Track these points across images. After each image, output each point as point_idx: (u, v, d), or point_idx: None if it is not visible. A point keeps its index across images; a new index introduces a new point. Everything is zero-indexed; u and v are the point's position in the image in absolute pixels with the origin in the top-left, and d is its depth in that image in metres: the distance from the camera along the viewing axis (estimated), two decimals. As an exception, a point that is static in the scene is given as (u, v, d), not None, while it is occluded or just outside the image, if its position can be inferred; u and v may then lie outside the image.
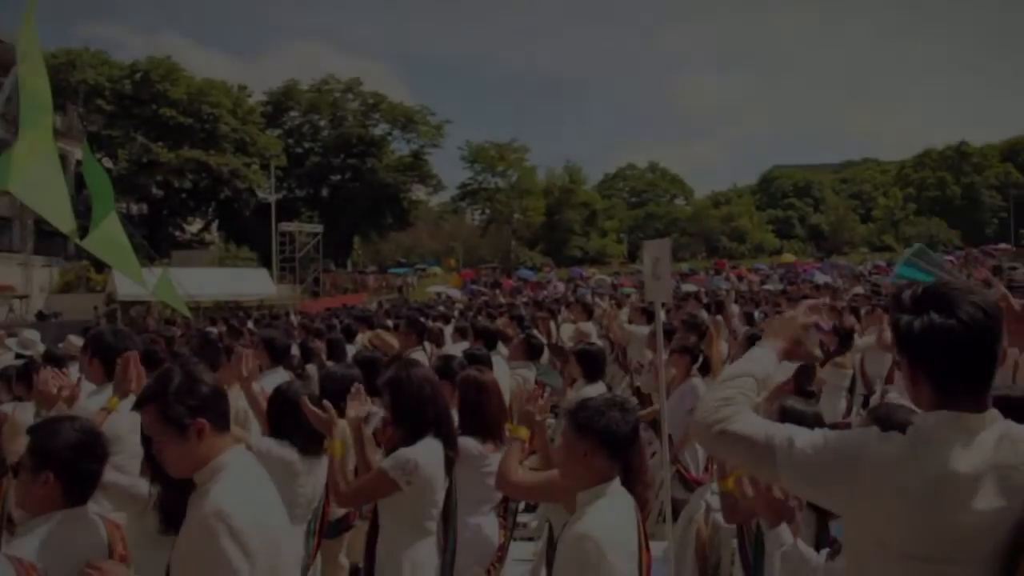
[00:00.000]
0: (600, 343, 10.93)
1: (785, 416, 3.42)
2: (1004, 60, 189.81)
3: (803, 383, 5.58)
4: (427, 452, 4.19)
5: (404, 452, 4.15)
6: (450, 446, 4.39)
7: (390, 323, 13.80)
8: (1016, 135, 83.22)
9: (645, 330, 10.61)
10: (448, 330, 11.56)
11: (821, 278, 35.15)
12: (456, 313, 17.52)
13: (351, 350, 9.20)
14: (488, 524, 4.95)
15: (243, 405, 5.52)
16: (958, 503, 2.01)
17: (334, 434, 4.26)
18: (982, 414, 2.11)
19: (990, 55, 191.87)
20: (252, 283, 42.37)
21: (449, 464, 4.36)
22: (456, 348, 8.74)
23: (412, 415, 4.29)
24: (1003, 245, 65.07)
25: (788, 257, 62.99)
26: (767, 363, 2.43)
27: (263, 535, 2.83)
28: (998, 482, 2.03)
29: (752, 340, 7.25)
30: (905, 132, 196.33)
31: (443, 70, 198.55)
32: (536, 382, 8.42)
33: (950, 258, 56.35)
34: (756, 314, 15.15)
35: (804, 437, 2.19)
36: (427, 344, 9.60)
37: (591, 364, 7.18)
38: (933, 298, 2.12)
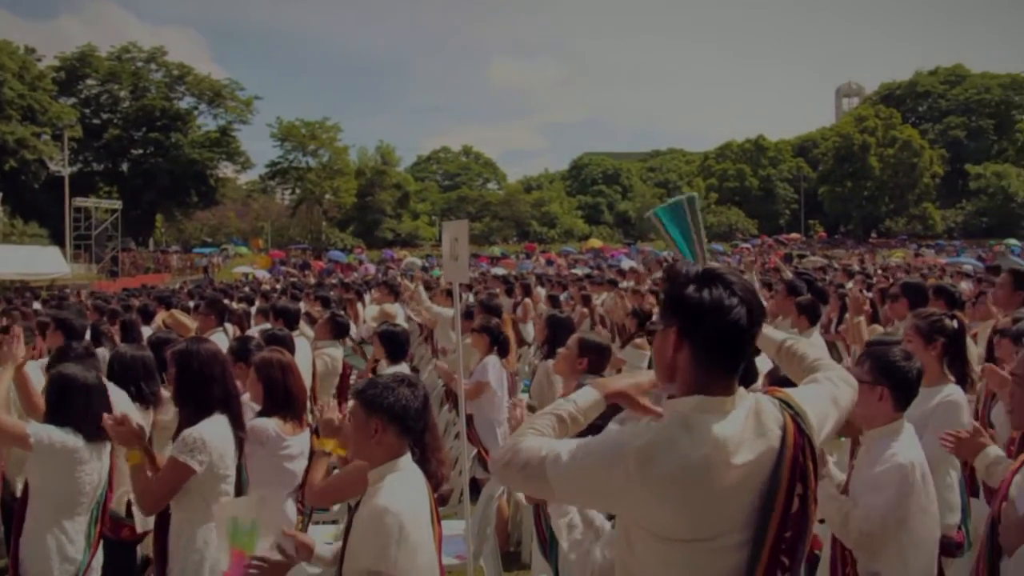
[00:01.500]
0: (407, 325, 10.96)
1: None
2: (797, 62, 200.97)
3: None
4: (213, 428, 4.11)
5: (188, 432, 4.05)
6: (238, 426, 4.30)
7: (192, 304, 13.37)
8: (807, 132, 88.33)
9: (451, 312, 10.68)
10: (253, 312, 11.31)
11: (627, 263, 36.29)
12: (262, 295, 17.10)
13: (148, 332, 8.83)
14: (286, 509, 4.87)
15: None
16: (721, 482, 2.09)
17: (136, 444, 4.06)
18: (732, 396, 2.19)
19: (783, 56, 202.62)
20: (42, 262, 39.67)
21: (239, 444, 4.28)
22: (260, 330, 8.54)
23: (197, 391, 4.19)
24: (794, 235, 69.21)
25: (595, 242, 64.76)
26: (583, 401, 2.43)
27: None
28: (752, 455, 2.14)
29: (553, 323, 7.45)
30: (708, 125, 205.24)
31: (254, 44, 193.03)
32: (344, 362, 8.41)
33: (747, 246, 59.64)
34: (562, 297, 15.51)
35: (571, 446, 2.21)
36: (229, 326, 9.35)
37: (394, 345, 7.18)
38: (717, 276, 2.19)
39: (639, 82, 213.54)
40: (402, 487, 3.24)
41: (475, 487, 6.71)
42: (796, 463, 2.19)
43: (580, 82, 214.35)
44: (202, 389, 4.19)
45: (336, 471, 4.43)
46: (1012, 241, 57.41)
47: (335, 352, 8.25)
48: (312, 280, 29.74)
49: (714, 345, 2.17)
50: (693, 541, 2.11)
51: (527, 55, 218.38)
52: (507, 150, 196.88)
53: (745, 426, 2.16)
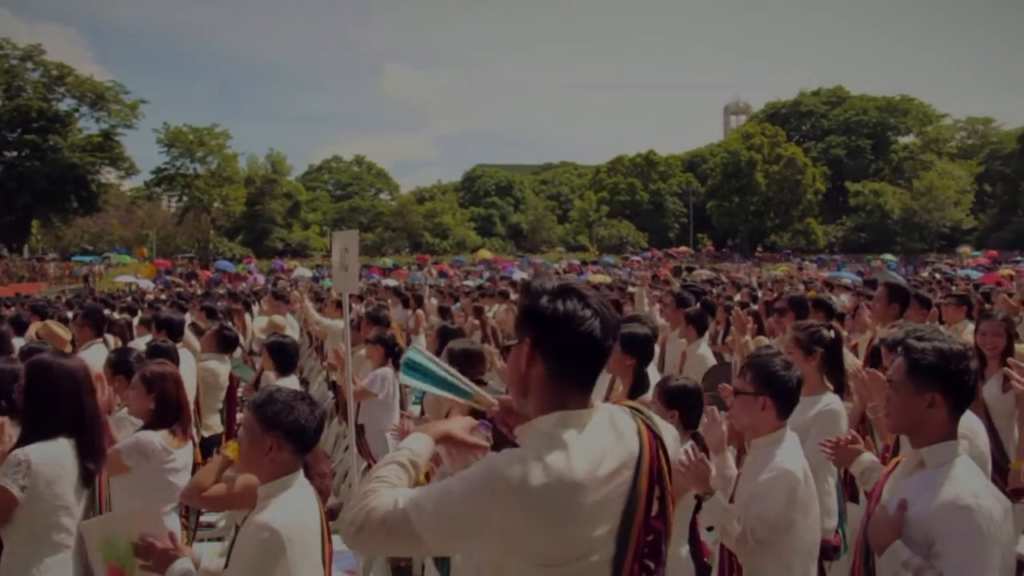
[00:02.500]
0: (296, 336, 10.80)
1: None
2: (687, 79, 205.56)
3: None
4: (46, 451, 3.74)
5: (15, 452, 3.70)
6: (89, 455, 3.91)
7: (70, 314, 12.90)
8: (697, 148, 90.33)
9: (340, 324, 10.57)
10: (135, 323, 10.98)
11: (519, 275, 36.52)
12: (145, 305, 16.63)
13: (21, 344, 8.46)
14: (169, 524, 4.73)
15: None
16: (592, 495, 2.07)
17: None
18: (590, 409, 2.19)
19: (674, 73, 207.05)
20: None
21: (86, 474, 3.90)
22: (143, 342, 8.28)
23: (43, 410, 3.83)
24: (683, 248, 70.69)
25: (485, 254, 64.94)
26: (417, 446, 2.36)
27: None
28: (615, 464, 2.15)
29: (444, 335, 7.44)
30: (600, 139, 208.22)
31: (140, 46, 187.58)
32: (231, 376, 8.20)
33: (637, 258, 60.62)
34: (454, 308, 15.51)
35: (430, 491, 2.14)
36: (110, 337, 9.05)
37: (283, 356, 7.06)
38: (572, 290, 2.19)
39: (533, 95, 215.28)
40: (291, 504, 3.18)
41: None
42: (653, 466, 2.21)
43: (474, 93, 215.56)
44: (49, 407, 3.84)
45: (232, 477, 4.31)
46: (888, 256, 59.91)
47: (219, 367, 7.97)
48: (198, 290, 29.05)
49: (567, 357, 2.16)
50: (570, 562, 2.08)
51: (421, 65, 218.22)
52: (400, 160, 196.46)
53: (606, 436, 2.17)
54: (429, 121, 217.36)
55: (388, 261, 60.16)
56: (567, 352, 2.16)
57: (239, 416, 8.34)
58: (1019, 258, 52.92)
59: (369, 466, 7.51)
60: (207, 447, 7.04)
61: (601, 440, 2.16)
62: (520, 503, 2.02)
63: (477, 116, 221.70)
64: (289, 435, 3.23)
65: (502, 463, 2.07)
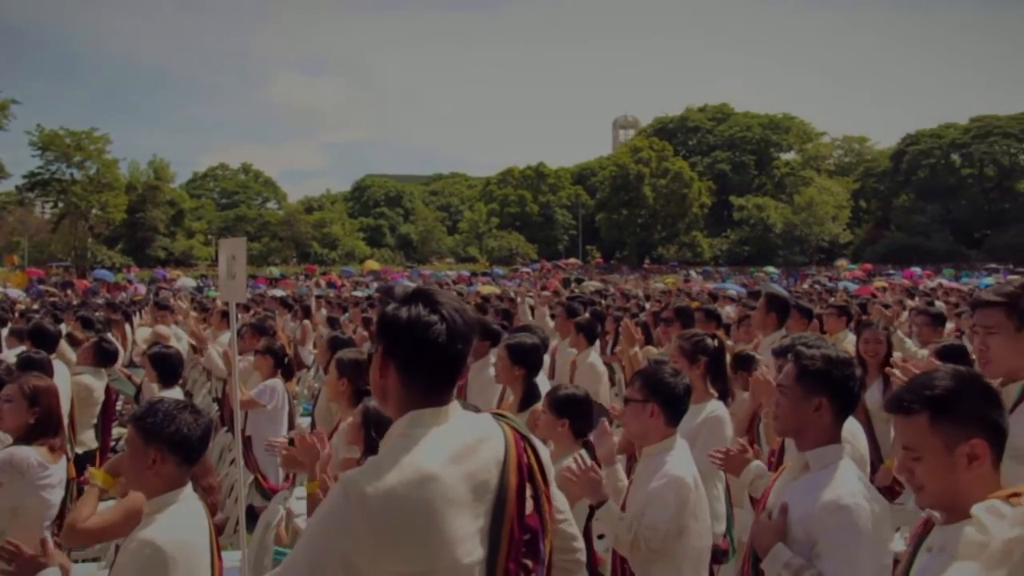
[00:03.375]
0: (180, 347, 10.49)
1: None
2: (578, 93, 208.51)
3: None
4: None
5: None
6: None
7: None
8: (586, 161, 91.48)
9: (227, 336, 10.32)
10: (5, 334, 10.50)
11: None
12: (16, 315, 15.93)
13: None
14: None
15: None
16: (451, 494, 2.06)
17: None
18: (446, 407, 2.20)
19: (565, 87, 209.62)
20: None
21: None
22: (14, 353, 7.91)
23: None
24: (572, 260, 71.40)
25: (373, 264, 64.42)
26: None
27: None
28: (476, 463, 2.15)
29: (335, 344, 7.34)
30: (491, 151, 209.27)
31: (12, 44, 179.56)
32: (108, 390, 7.88)
33: (527, 270, 61.00)
34: (343, 319, 15.35)
35: (299, 541, 2.12)
36: (-24, 349, 8.64)
37: (165, 367, 6.84)
38: (421, 295, 2.21)
39: (424, 105, 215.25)
40: (177, 520, 3.07)
41: (252, 515, 6.46)
42: (522, 464, 2.23)
43: (364, 103, 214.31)
44: None
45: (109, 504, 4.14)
46: (771, 269, 61.74)
47: (95, 381, 7.62)
48: (75, 300, 28.00)
49: (415, 363, 2.17)
50: (440, 562, 2.06)
51: (311, 73, 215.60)
52: (288, 169, 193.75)
53: (463, 435, 2.18)
54: (319, 130, 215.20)
55: (275, 271, 59.16)
56: (414, 358, 2.17)
57: (115, 432, 8.06)
58: (892, 271, 55.09)
59: (256, 480, 7.35)
60: (80, 463, 6.76)
61: (459, 437, 2.16)
62: (378, 504, 2.00)
63: (367, 126, 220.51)
64: (172, 446, 3.12)
65: (354, 473, 2.08)
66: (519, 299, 13.07)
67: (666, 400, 3.77)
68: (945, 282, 36.02)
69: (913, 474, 2.34)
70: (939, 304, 14.12)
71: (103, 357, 7.77)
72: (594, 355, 8.22)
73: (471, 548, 2.09)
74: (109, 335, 9.81)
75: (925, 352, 6.67)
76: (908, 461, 2.35)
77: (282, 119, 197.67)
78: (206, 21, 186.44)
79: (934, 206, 73.16)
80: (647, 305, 17.21)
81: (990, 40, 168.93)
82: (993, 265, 57.09)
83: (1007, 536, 1.54)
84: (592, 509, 3.86)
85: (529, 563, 2.19)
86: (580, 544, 2.52)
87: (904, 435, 2.38)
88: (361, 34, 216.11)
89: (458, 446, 2.13)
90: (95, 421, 7.66)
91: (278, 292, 30.21)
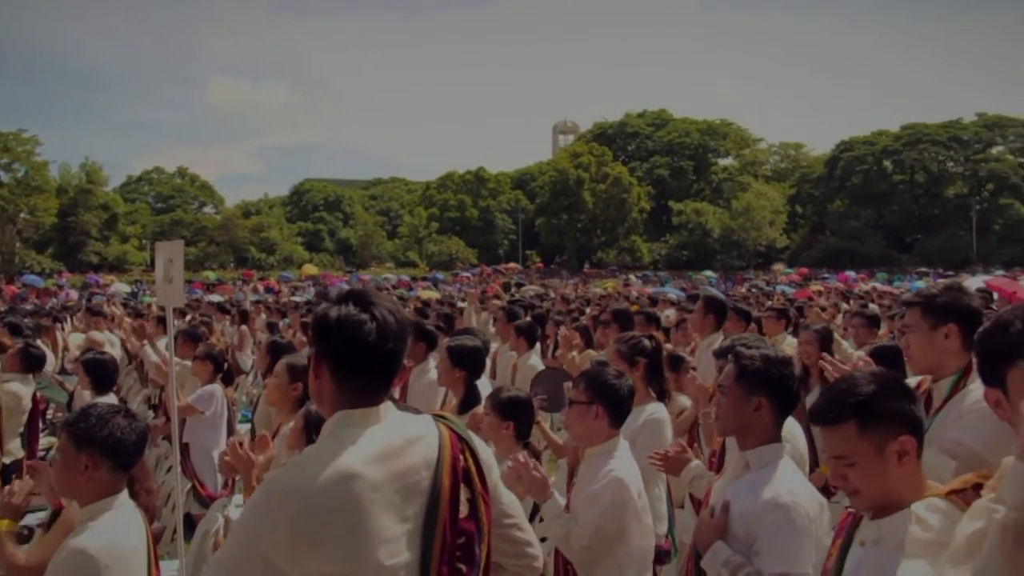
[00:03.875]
0: (114, 353, 10.29)
1: None
2: (517, 98, 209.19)
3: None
4: None
5: None
6: None
7: None
8: (526, 166, 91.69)
9: (163, 340, 10.15)
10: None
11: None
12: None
13: None
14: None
15: None
16: (375, 493, 2.06)
17: None
18: (377, 408, 2.20)
19: (504, 91, 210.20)
20: None
21: None
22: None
23: None
24: (512, 264, 71.44)
25: (311, 269, 63.90)
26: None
27: None
28: (406, 463, 2.15)
29: (275, 349, 7.25)
30: (431, 155, 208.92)
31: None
32: (35, 398, 7.68)
33: (467, 275, 60.98)
34: (282, 324, 15.19)
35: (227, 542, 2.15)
36: None
37: (99, 374, 6.70)
38: (353, 295, 2.22)
39: (363, 110, 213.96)
40: (111, 527, 3.00)
41: (190, 523, 6.36)
42: (458, 466, 2.23)
43: (303, 107, 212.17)
44: None
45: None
46: (709, 273, 62.49)
47: (22, 388, 7.39)
48: (1, 306, 27.33)
49: (347, 362, 2.17)
50: (367, 563, 2.05)
51: (249, 76, 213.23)
52: (226, 173, 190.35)
53: (393, 435, 2.17)
54: (257, 133, 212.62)
55: (211, 275, 58.38)
56: (345, 357, 2.17)
57: (44, 441, 7.88)
58: (827, 275, 56.04)
59: (194, 487, 7.23)
60: (7, 473, 6.59)
61: (388, 437, 2.16)
62: (297, 503, 2.01)
63: (306, 129, 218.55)
64: (105, 451, 3.06)
65: (275, 472, 2.11)
66: (468, 303, 13.04)
67: (610, 402, 3.79)
68: (879, 286, 36.70)
69: (847, 480, 2.38)
70: (873, 307, 14.38)
71: (30, 363, 7.53)
72: (535, 358, 8.25)
73: (397, 549, 2.08)
74: (38, 341, 9.58)
75: (861, 353, 6.79)
76: (841, 468, 2.38)
77: (219, 123, 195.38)
78: (141, 21, 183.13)
79: (867, 211, 74.61)
80: (587, 309, 17.29)
81: (918, 50, 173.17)
82: (924, 269, 58.36)
83: (969, 530, 1.57)
84: (534, 512, 3.87)
85: (463, 567, 2.18)
86: (536, 551, 2.50)
87: (834, 445, 2.42)
88: (300, 37, 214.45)
89: (385, 446, 2.12)
90: (21, 430, 7.45)
91: (215, 297, 29.78)
